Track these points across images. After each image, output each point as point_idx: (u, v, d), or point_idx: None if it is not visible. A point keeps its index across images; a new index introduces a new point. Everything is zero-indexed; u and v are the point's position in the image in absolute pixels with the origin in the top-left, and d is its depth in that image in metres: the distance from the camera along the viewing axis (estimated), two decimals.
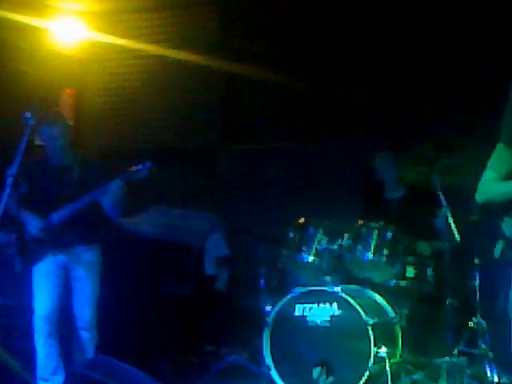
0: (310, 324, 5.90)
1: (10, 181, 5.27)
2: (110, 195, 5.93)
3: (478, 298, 6.04)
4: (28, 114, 5.37)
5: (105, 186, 5.92)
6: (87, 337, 6.16)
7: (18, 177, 5.32)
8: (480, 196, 4.89)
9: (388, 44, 7.83)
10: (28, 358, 6.11)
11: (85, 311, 6.16)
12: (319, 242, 6.24)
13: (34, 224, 6.03)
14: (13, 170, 5.29)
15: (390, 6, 7.78)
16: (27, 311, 6.10)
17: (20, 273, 5.50)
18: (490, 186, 4.82)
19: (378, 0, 7.88)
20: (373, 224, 6.20)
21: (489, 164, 4.88)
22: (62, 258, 6.11)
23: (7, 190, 5.25)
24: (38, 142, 6.23)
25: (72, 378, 5.64)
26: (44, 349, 6.09)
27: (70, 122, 6.30)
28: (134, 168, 5.98)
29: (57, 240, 6.05)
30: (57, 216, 6.02)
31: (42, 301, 6.09)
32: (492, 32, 7.30)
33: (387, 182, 6.97)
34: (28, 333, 6.10)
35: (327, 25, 8.13)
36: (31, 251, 6.02)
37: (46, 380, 6.11)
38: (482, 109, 7.07)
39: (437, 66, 7.61)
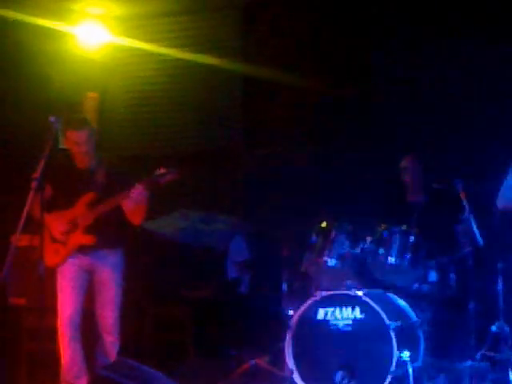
0: (333, 328, 5.90)
1: (34, 184, 5.32)
2: (131, 201, 5.94)
3: (501, 302, 6.03)
4: (53, 118, 5.41)
5: (127, 191, 5.92)
6: (110, 340, 6.17)
7: (42, 180, 5.37)
8: (501, 201, 4.90)
9: (410, 53, 7.82)
10: (54, 361, 6.15)
11: (107, 314, 6.18)
12: (342, 246, 6.25)
13: (58, 228, 6.08)
14: (37, 173, 5.33)
15: (412, 14, 7.78)
16: (52, 314, 6.13)
17: (44, 276, 5.52)
18: (510, 192, 4.84)
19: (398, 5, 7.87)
20: (395, 228, 6.20)
21: (510, 170, 4.90)
22: (85, 261, 6.14)
23: (32, 194, 5.30)
24: (62, 145, 6.26)
25: (95, 381, 5.68)
26: (68, 352, 6.10)
27: (94, 126, 6.31)
28: (158, 172, 5.94)
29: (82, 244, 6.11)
30: (82, 220, 6.06)
31: (66, 303, 6.12)
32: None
33: (412, 185, 6.93)
34: (53, 336, 6.13)
35: (351, 31, 8.12)
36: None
37: (70, 383, 6.12)
38: (504, 115, 7.06)
39: (457, 73, 7.60)
